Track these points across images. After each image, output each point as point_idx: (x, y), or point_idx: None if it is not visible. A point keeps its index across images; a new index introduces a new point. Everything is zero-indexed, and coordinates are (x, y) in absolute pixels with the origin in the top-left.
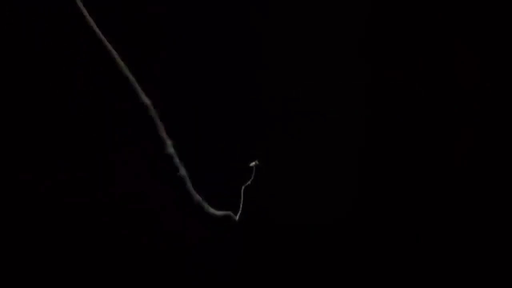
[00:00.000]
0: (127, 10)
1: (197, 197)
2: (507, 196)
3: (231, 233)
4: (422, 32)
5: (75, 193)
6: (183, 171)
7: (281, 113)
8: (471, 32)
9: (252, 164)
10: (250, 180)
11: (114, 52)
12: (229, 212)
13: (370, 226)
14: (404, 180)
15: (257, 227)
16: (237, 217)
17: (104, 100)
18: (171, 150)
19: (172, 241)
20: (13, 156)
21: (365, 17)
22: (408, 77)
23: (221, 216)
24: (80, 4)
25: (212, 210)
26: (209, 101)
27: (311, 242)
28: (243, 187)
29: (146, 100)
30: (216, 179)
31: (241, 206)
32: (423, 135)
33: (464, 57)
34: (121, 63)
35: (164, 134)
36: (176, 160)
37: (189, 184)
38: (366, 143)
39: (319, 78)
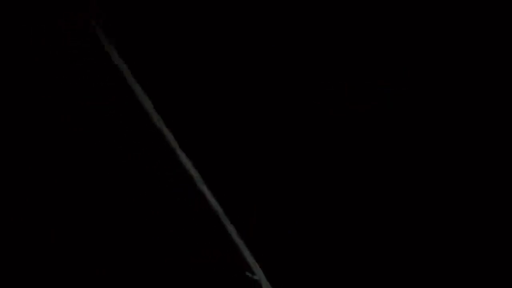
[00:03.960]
0: (127, 10)
1: None
2: (507, 196)
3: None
4: (422, 32)
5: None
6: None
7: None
8: (471, 32)
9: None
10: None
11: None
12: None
13: (369, 225)
14: (404, 180)
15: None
16: None
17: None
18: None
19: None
20: (13, 156)
21: (365, 17)
22: (408, 77)
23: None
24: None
25: None
26: (209, 101)
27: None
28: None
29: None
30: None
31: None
32: (423, 135)
33: (464, 57)
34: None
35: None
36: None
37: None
38: (366, 142)
39: (319, 78)
